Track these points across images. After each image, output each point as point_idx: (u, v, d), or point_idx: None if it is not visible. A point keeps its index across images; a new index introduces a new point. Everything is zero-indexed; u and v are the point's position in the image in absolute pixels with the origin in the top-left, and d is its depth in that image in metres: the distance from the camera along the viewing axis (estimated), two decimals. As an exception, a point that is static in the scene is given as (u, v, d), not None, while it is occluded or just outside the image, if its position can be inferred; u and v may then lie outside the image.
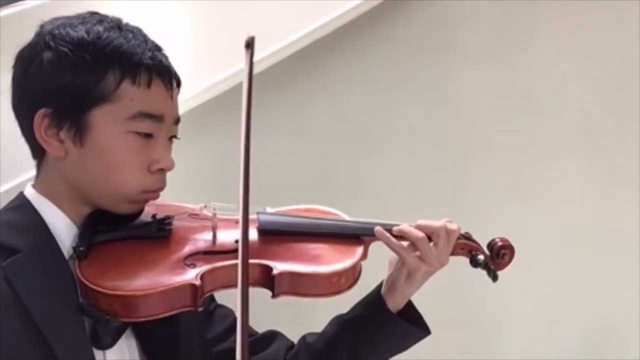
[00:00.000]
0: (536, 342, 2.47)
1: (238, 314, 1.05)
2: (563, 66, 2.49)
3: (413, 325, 1.31)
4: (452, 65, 2.47)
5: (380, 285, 1.35)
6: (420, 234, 1.26)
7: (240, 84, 2.05)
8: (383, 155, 2.41)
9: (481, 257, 1.35)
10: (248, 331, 1.36)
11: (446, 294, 2.21)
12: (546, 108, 2.48)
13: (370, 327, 1.31)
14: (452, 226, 1.30)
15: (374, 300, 1.32)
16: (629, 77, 2.46)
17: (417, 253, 1.27)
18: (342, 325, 1.34)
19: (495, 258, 1.37)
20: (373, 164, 2.39)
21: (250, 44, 1.14)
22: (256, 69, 2.10)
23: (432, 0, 2.47)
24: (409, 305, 1.33)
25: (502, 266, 1.38)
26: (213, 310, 1.36)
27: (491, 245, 1.38)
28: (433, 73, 2.46)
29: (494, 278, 1.37)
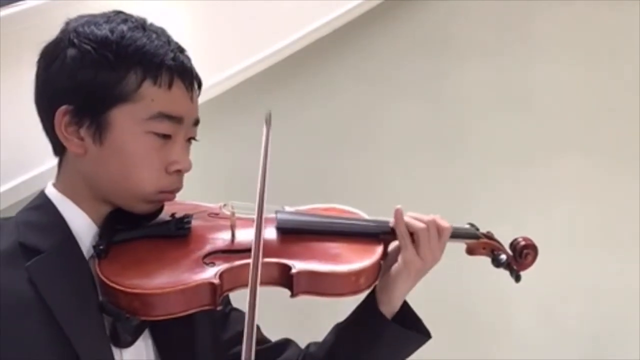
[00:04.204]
0: (536, 342, 2.47)
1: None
2: (562, 65, 2.49)
3: (410, 329, 1.27)
4: (451, 64, 2.48)
5: (375, 289, 1.29)
6: (422, 224, 1.25)
7: (238, 85, 2.07)
8: (382, 154, 2.42)
9: (503, 256, 1.31)
10: (262, 338, 1.35)
11: (445, 295, 2.22)
12: (545, 107, 2.49)
13: (364, 332, 1.27)
14: (443, 222, 1.27)
15: (367, 305, 1.29)
16: (628, 77, 2.46)
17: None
18: (339, 332, 1.31)
19: (518, 258, 1.32)
20: (372, 162, 2.39)
21: (268, 120, 1.17)
22: (257, 69, 2.13)
23: (431, 0, 2.47)
24: (406, 309, 1.30)
25: (526, 266, 1.33)
26: (228, 312, 1.35)
27: (514, 245, 1.34)
28: (432, 72, 2.47)
29: (517, 278, 1.33)
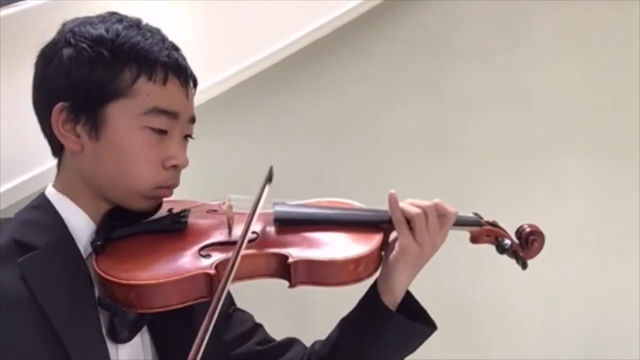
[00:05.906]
0: (536, 342, 2.47)
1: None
2: (562, 65, 2.49)
3: (414, 320, 1.26)
4: (451, 64, 2.48)
5: (377, 279, 1.29)
6: (417, 210, 1.24)
7: (238, 85, 2.07)
8: (382, 154, 2.41)
9: (507, 242, 1.31)
10: (266, 337, 1.36)
11: (444, 294, 2.22)
12: (545, 107, 2.49)
13: (368, 324, 1.26)
14: (447, 207, 1.27)
15: (369, 295, 1.28)
16: (628, 77, 2.46)
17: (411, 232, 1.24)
18: (342, 326, 1.31)
19: (524, 245, 1.32)
20: (372, 162, 2.39)
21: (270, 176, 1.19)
22: (257, 69, 2.13)
23: (431, 0, 2.47)
24: (411, 301, 1.29)
25: (532, 254, 1.32)
26: (231, 313, 1.35)
27: (519, 232, 1.33)
28: (432, 72, 2.47)
29: (524, 266, 1.32)
